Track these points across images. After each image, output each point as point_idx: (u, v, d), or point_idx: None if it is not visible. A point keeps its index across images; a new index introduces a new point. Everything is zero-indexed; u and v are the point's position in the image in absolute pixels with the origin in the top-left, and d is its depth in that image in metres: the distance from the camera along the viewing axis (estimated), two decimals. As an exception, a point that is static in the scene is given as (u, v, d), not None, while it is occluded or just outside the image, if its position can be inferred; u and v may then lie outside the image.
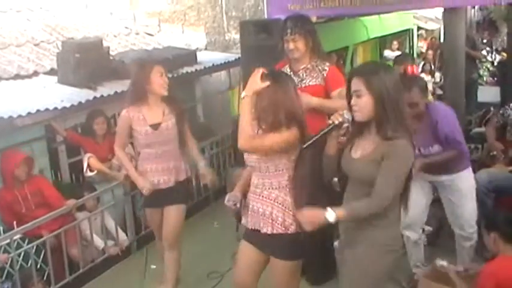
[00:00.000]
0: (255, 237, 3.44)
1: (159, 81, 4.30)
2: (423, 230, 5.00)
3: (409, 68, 5.65)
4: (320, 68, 4.32)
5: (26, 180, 5.36)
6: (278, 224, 3.32)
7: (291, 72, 4.36)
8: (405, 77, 4.97)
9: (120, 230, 5.82)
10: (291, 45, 4.25)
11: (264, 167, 3.32)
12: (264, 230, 3.36)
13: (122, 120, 4.45)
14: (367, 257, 2.99)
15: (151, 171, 4.46)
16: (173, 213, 4.54)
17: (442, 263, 3.93)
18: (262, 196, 3.36)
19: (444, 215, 5.31)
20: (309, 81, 4.32)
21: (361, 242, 2.99)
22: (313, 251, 4.81)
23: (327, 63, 4.40)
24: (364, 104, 2.83)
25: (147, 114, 4.36)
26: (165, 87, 4.33)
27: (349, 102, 2.93)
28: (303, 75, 4.34)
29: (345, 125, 2.92)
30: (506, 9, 10.77)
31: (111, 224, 5.77)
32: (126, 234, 5.90)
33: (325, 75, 4.30)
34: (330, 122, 2.94)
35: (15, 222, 4.84)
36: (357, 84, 2.86)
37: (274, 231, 3.33)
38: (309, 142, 3.00)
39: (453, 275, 3.77)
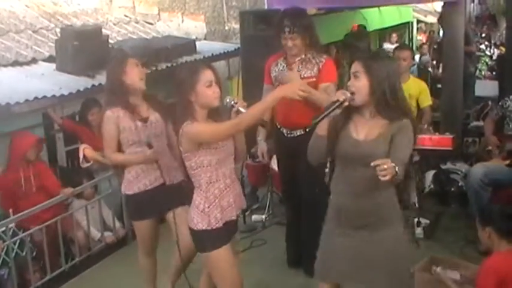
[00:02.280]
0: (231, 229, 3.36)
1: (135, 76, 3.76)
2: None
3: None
4: (317, 59, 4.31)
5: (32, 162, 5.36)
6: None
7: (286, 65, 4.36)
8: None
9: (116, 219, 5.83)
10: (289, 43, 4.21)
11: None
12: (242, 207, 3.52)
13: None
14: (402, 237, 3.09)
15: None
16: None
17: (437, 269, 3.88)
18: (231, 179, 3.34)
19: (441, 209, 5.32)
20: (304, 73, 4.30)
21: (390, 222, 3.02)
22: (311, 243, 4.84)
23: (324, 56, 4.40)
24: (360, 86, 2.90)
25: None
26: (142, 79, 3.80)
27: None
28: (298, 67, 4.32)
29: (346, 103, 2.90)
30: (504, 3, 10.76)
31: (107, 213, 5.77)
32: (123, 223, 5.90)
33: (320, 66, 4.29)
34: (335, 99, 2.92)
35: (11, 211, 4.83)
36: (355, 66, 2.95)
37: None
38: (318, 119, 2.93)
39: (450, 282, 3.73)
